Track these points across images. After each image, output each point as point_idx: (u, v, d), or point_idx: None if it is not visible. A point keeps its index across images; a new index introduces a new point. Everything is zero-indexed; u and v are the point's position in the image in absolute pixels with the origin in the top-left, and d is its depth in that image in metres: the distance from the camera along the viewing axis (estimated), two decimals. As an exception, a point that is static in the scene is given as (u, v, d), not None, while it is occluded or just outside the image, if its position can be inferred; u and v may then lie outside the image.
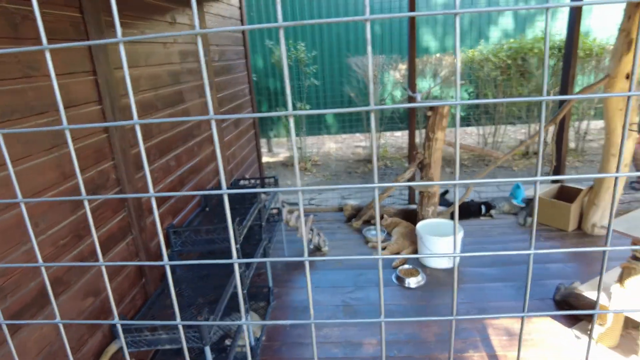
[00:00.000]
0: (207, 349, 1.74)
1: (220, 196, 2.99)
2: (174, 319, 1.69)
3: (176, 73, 2.52)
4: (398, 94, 6.50)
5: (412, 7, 3.80)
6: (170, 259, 2.31)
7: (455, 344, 2.54)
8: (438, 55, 6.20)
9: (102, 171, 1.76)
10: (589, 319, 2.50)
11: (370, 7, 5.92)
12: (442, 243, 3.31)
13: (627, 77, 3.16)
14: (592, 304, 2.45)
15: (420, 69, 6.04)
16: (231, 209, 3.05)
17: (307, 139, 6.67)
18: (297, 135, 6.43)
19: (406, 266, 3.36)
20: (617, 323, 2.27)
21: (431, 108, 3.54)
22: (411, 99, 4.11)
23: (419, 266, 3.39)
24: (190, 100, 2.68)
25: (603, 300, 2.17)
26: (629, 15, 3.03)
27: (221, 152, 3.34)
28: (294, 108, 6.48)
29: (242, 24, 3.98)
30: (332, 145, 7.41)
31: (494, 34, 6.61)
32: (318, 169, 6.42)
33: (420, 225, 3.54)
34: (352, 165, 6.46)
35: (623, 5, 3.12)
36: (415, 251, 3.60)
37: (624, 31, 3.08)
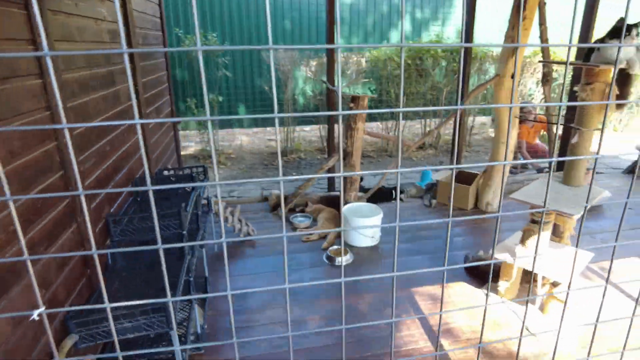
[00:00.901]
0: (174, 333, 1.72)
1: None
2: (125, 309, 1.63)
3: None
4: (309, 89, 6.73)
5: (331, 5, 4.01)
6: (111, 248, 2.18)
7: (388, 312, 2.81)
8: (345, 54, 6.56)
9: (46, 152, 1.61)
10: (495, 279, 2.96)
11: (281, 1, 6.02)
12: (366, 223, 3.59)
13: (512, 76, 3.76)
14: (497, 264, 2.91)
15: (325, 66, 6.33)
16: (164, 198, 2.95)
17: (218, 132, 6.56)
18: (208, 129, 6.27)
19: (335, 247, 3.58)
20: (518, 278, 2.75)
21: (352, 100, 3.80)
22: (331, 93, 4.34)
23: (346, 246, 3.63)
24: (121, 82, 2.52)
25: (509, 259, 2.61)
26: (512, 25, 3.62)
27: (146, 141, 3.18)
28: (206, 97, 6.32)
29: (160, 9, 3.79)
30: (245, 138, 7.38)
31: (395, 36, 7.22)
32: (233, 162, 6.36)
33: (345, 208, 3.78)
34: (267, 157, 6.53)
35: (508, 16, 3.70)
36: (340, 233, 3.84)
37: (509, 38, 3.67)
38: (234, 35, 6.65)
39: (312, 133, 7.77)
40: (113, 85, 2.44)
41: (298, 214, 4.21)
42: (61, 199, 1.70)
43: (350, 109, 3.80)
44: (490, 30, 7.46)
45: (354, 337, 2.54)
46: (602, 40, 2.39)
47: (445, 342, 2.51)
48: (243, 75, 6.76)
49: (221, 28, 6.54)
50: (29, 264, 0.52)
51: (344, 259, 3.43)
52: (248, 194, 4.91)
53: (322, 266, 3.39)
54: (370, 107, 7.10)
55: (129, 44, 2.67)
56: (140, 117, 2.90)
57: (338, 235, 3.84)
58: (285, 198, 4.36)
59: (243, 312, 2.79)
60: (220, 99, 6.38)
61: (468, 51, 4.35)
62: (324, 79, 4.27)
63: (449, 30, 7.07)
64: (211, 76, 6.26)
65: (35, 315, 0.53)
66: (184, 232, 2.27)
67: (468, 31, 4.32)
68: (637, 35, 2.26)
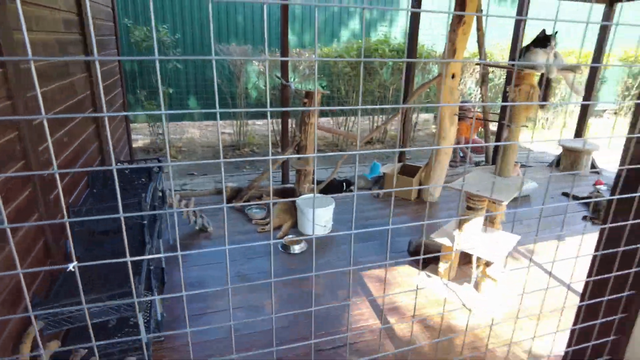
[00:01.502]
0: (140, 317, 1.80)
1: (108, 178, 2.86)
2: (92, 294, 1.69)
3: (63, 42, 2.34)
4: (261, 84, 6.80)
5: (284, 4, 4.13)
6: (72, 238, 2.20)
7: (340, 293, 3.02)
8: (297, 50, 6.70)
9: (9, 141, 1.62)
10: (435, 262, 3.25)
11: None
12: (320, 213, 3.78)
13: (453, 76, 4.09)
14: (438, 249, 3.20)
15: (279, 62, 6.45)
16: (121, 190, 2.95)
17: (168, 125, 6.47)
18: (159, 121, 6.18)
19: (290, 236, 3.73)
20: (456, 260, 3.05)
21: (307, 95, 3.96)
22: (285, 87, 4.47)
23: (300, 235, 3.80)
24: (76, 73, 2.50)
25: (448, 242, 2.90)
26: (453, 29, 3.93)
27: (101, 131, 3.15)
28: (157, 91, 6.21)
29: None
30: (196, 131, 7.31)
31: (345, 34, 7.45)
32: (184, 155, 6.31)
33: (299, 200, 3.95)
34: (219, 151, 6.53)
35: (449, 20, 4.01)
36: (295, 223, 4.00)
37: (450, 41, 3.98)
38: (185, 28, 6.57)
39: (264, 127, 7.85)
40: (69, 76, 2.43)
41: (253, 206, 4.32)
42: (23, 188, 1.72)
43: (304, 104, 3.95)
44: (434, 33, 7.91)
45: (308, 318, 2.71)
46: (527, 48, 2.72)
47: (391, 319, 2.76)
48: (194, 68, 6.71)
49: (172, 20, 6.44)
50: None
51: (298, 247, 3.59)
52: (202, 187, 4.94)
53: (277, 254, 3.54)
54: (322, 104, 7.30)
55: (83, 34, 2.65)
56: (95, 108, 2.88)
57: (292, 225, 4.00)
58: (240, 190, 4.45)
59: (202, 299, 2.88)
60: (171, 91, 6.29)
61: (412, 51, 4.64)
62: (278, 74, 4.39)
63: (396, 31, 7.42)
64: (161, 68, 6.16)
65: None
66: (144, 222, 2.33)
67: (412, 33, 4.61)
68: (555, 45, 2.60)
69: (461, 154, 6.25)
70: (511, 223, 3.78)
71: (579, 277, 3.08)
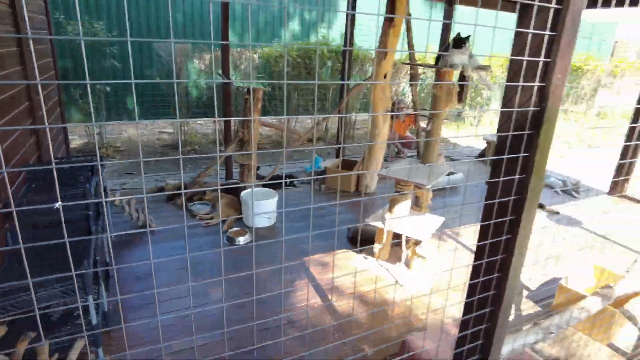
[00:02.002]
0: (91, 299, 1.88)
1: (46, 174, 2.83)
2: (28, 288, 1.75)
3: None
4: (202, 82, 6.81)
5: (225, 3, 4.23)
6: (11, 233, 2.20)
7: (286, 277, 3.19)
8: (239, 49, 6.79)
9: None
10: (372, 245, 3.53)
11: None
12: (264, 205, 3.93)
13: (385, 76, 4.41)
14: (373, 234, 3.48)
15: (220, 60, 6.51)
16: (60, 186, 2.93)
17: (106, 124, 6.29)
18: (95, 120, 6.00)
19: (234, 229, 3.85)
20: (388, 241, 3.35)
21: (248, 92, 4.10)
22: (227, 85, 4.57)
23: (245, 227, 3.93)
24: (10, 66, 2.46)
25: (380, 225, 3.18)
26: (384, 31, 4.25)
27: (37, 131, 3.08)
28: (92, 90, 6.02)
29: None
30: (133, 131, 7.15)
31: (286, 35, 7.63)
32: (122, 155, 6.17)
33: (244, 193, 4.08)
34: (160, 150, 6.46)
35: (381, 23, 4.32)
36: (240, 217, 4.12)
37: (382, 43, 4.30)
38: (122, 25, 6.42)
39: (205, 126, 7.84)
40: (2, 69, 2.39)
41: (197, 202, 4.38)
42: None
43: (246, 100, 4.09)
44: (370, 34, 8.32)
45: (256, 302, 2.87)
46: (446, 49, 3.06)
47: (332, 297, 2.98)
48: (133, 66, 6.57)
49: (108, 17, 6.26)
50: None
51: (243, 239, 3.73)
52: (142, 186, 4.90)
53: (223, 246, 3.65)
54: (263, 101, 7.42)
55: (17, 27, 2.60)
56: (31, 102, 2.82)
57: (236, 219, 4.11)
58: (184, 187, 4.49)
59: (150, 289, 2.93)
60: (108, 89, 6.13)
61: (349, 53, 4.93)
62: (220, 72, 4.49)
63: (334, 33, 7.74)
64: (98, 66, 5.99)
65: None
66: (90, 213, 2.37)
67: (346, 34, 4.90)
68: (469, 46, 2.97)
69: (395, 150, 6.66)
70: (442, 210, 4.16)
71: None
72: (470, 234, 4.06)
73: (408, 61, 5.08)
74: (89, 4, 6.05)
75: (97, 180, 2.90)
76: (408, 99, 8.26)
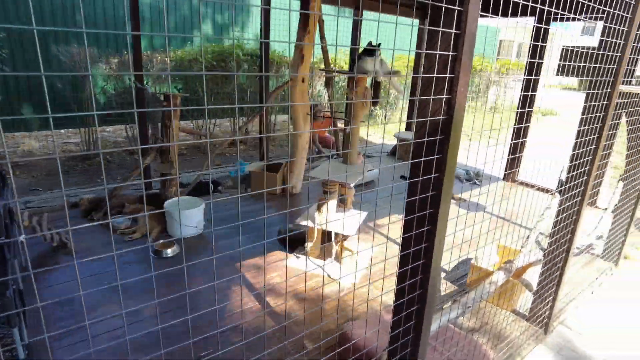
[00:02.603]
0: (16, 332, 1.76)
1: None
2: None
3: None
4: (110, 87, 6.41)
5: (135, 3, 4.06)
6: None
7: (221, 285, 3.19)
8: (148, 52, 6.50)
9: None
10: (302, 244, 3.66)
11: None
12: (190, 215, 3.87)
13: (303, 80, 4.56)
14: (302, 233, 3.61)
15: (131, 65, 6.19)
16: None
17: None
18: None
19: (160, 241, 3.74)
20: (319, 238, 3.50)
21: (165, 98, 3.99)
22: (140, 91, 4.39)
23: (171, 239, 3.83)
24: None
25: (311, 224, 3.32)
26: (300, 36, 4.39)
27: None
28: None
29: None
30: (34, 143, 6.50)
31: (198, 38, 7.44)
32: (22, 169, 5.60)
33: (167, 204, 3.97)
34: (67, 162, 5.97)
35: (296, 28, 4.45)
36: (165, 228, 4.00)
37: (297, 48, 4.44)
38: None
39: (115, 134, 7.38)
40: None
41: (116, 216, 4.15)
42: None
43: (163, 107, 3.97)
44: (284, 37, 8.43)
45: (192, 313, 2.84)
46: (359, 57, 3.28)
47: (269, 299, 3.06)
48: (27, 70, 5.95)
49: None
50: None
51: (171, 251, 3.64)
52: (52, 203, 4.51)
53: (150, 261, 3.52)
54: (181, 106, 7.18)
55: None
56: None
57: (161, 230, 3.99)
58: (99, 202, 4.23)
59: (72, 316, 2.76)
60: (-1, 97, 5.52)
61: (266, 57, 5.00)
62: (135, 81, 4.30)
63: (248, 34, 7.72)
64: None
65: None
66: (2, 238, 2.19)
67: (264, 39, 4.97)
68: (379, 54, 3.21)
69: (316, 150, 6.88)
70: (361, 205, 4.41)
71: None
72: (388, 224, 4.37)
73: (322, 66, 5.29)
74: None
75: (4, 201, 2.66)
76: (324, 101, 8.54)
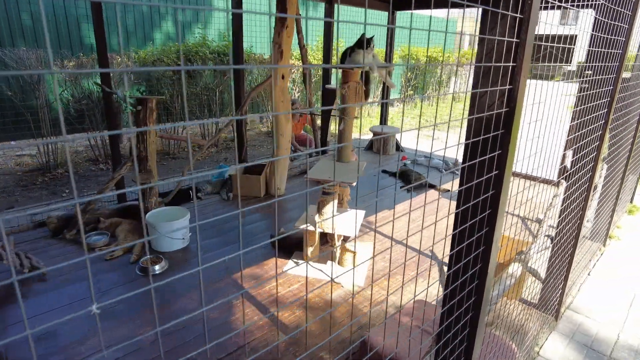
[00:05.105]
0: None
1: None
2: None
3: None
4: (67, 94, 5.92)
5: (97, 5, 3.72)
6: None
7: (220, 300, 2.97)
8: (110, 54, 6.05)
9: None
10: (299, 248, 3.50)
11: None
12: (175, 225, 3.60)
13: (283, 77, 4.37)
14: (300, 236, 3.45)
15: (88, 67, 5.74)
16: None
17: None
18: None
19: (146, 257, 3.46)
20: (318, 242, 3.35)
21: (139, 102, 3.68)
22: (108, 96, 4.04)
23: (157, 253, 3.55)
24: None
25: (311, 228, 3.16)
26: (278, 32, 4.20)
27: None
28: None
29: None
30: (-18, 158, 5.91)
31: (159, 37, 7.02)
32: (-28, 188, 5.06)
33: (149, 215, 3.68)
34: (25, 177, 5.46)
35: (273, 24, 4.25)
36: (148, 242, 3.71)
37: (276, 44, 4.24)
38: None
39: (76, 142, 6.86)
40: None
41: (91, 233, 3.81)
42: None
43: (139, 112, 3.67)
44: (257, 34, 8.15)
45: (191, 334, 2.62)
46: (352, 50, 3.14)
47: (274, 310, 2.88)
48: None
49: None
50: None
51: (158, 267, 3.37)
52: (12, 223, 4.08)
53: (137, 279, 3.24)
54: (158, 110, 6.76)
55: None
56: None
57: (144, 245, 3.69)
58: (71, 218, 3.87)
59: (58, 351, 2.47)
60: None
61: (239, 54, 4.76)
62: (98, 81, 3.94)
63: (212, 32, 7.38)
64: None
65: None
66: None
67: (236, 36, 4.73)
68: (373, 47, 3.09)
69: (292, 148, 6.70)
70: (357, 203, 4.30)
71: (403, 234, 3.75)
72: (383, 220, 4.29)
73: (300, 61, 5.11)
74: None
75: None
76: (296, 96, 8.35)
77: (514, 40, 1.19)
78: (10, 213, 4.34)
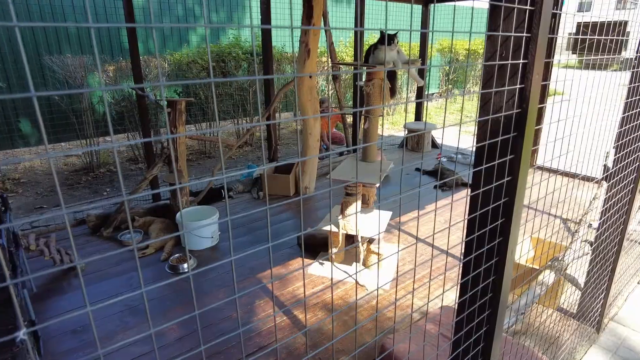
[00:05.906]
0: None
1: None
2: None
3: None
4: (109, 96, 6.19)
5: (129, 8, 3.84)
6: None
7: (244, 299, 3.00)
8: (146, 57, 6.27)
9: None
10: (325, 249, 3.46)
11: (60, 1, 5.34)
12: (204, 224, 3.67)
13: (310, 76, 4.34)
14: (325, 237, 3.41)
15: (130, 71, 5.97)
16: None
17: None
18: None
19: (175, 255, 3.55)
20: (343, 243, 3.30)
21: (169, 105, 3.78)
22: (142, 99, 4.18)
23: (185, 252, 3.64)
24: None
25: (334, 229, 3.12)
26: (304, 30, 4.17)
27: None
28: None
29: None
30: (34, 158, 6.30)
31: (194, 39, 7.21)
32: (24, 187, 5.41)
33: (180, 214, 3.77)
34: (70, 177, 5.77)
35: (299, 21, 4.23)
36: (178, 241, 3.81)
37: (304, 43, 4.21)
38: (1, 40, 5.57)
39: (117, 143, 7.16)
40: None
41: (126, 231, 3.97)
42: None
43: (168, 113, 3.76)
44: (288, 32, 8.19)
45: (214, 334, 2.65)
46: (375, 47, 3.06)
47: (297, 312, 2.86)
48: (21, 86, 5.74)
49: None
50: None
51: (187, 265, 3.45)
52: (58, 221, 4.32)
53: (167, 277, 3.34)
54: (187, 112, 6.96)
55: None
56: None
57: (175, 244, 3.79)
58: (107, 217, 4.04)
59: (88, 345, 2.58)
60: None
61: (269, 54, 4.77)
62: (131, 84, 4.07)
63: (246, 33, 7.48)
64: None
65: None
66: (7, 273, 1.99)
67: (266, 37, 4.74)
68: (397, 42, 2.99)
69: (324, 146, 6.66)
70: (379, 202, 4.21)
71: (438, 237, 3.62)
72: (412, 221, 4.17)
73: (328, 60, 5.06)
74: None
75: (7, 226, 2.47)
76: (327, 95, 8.30)
77: (524, 35, 1.09)
78: (65, 209, 4.60)
